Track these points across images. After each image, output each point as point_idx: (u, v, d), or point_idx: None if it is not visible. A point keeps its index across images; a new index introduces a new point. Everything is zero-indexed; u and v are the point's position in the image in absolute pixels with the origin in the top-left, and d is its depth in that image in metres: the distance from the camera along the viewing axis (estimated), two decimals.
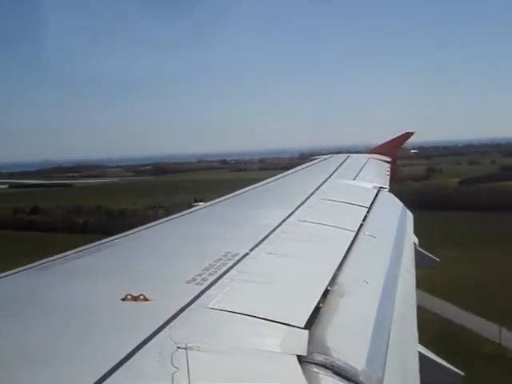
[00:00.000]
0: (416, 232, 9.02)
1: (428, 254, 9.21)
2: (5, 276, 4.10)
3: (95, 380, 2.29)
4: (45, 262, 4.50)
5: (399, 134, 18.93)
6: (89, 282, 3.93)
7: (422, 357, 4.27)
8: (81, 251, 4.92)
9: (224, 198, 9.03)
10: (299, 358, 2.83)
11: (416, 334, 4.39)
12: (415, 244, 8.42)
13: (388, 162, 17.04)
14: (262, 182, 11.01)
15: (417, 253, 7.80)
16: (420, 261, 7.62)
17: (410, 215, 10.14)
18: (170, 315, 3.11)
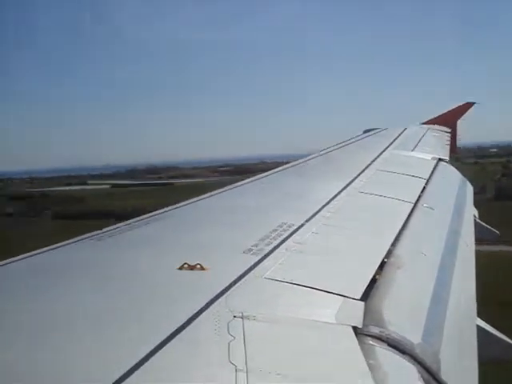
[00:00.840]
0: None
1: (488, 226, 9.00)
2: (66, 244, 4.21)
3: (153, 347, 2.34)
4: (105, 231, 4.59)
5: (459, 104, 18.39)
6: (147, 250, 4.00)
7: (480, 331, 4.20)
8: (139, 221, 5.00)
9: (280, 168, 8.99)
10: (355, 329, 2.82)
11: (475, 308, 4.31)
12: (475, 216, 8.25)
13: (448, 132, 16.63)
14: (319, 153, 10.90)
15: (476, 225, 7.64)
16: (480, 233, 7.47)
17: (469, 187, 9.92)
18: (226, 284, 3.13)
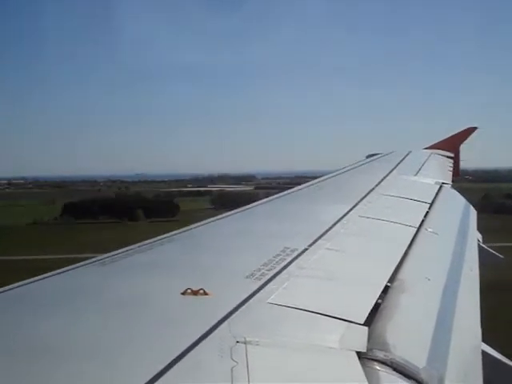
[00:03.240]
0: None
1: (492, 250, 8.97)
2: (68, 270, 4.21)
3: (155, 373, 2.33)
4: (107, 257, 4.60)
5: (462, 129, 18.46)
6: (150, 276, 3.99)
7: (485, 355, 4.16)
8: (142, 246, 5.01)
9: (283, 194, 9.02)
10: (359, 354, 2.81)
11: (479, 332, 4.28)
12: (479, 241, 8.23)
13: (451, 157, 16.68)
14: (322, 178, 10.95)
15: (480, 250, 7.61)
16: (484, 258, 7.43)
17: (473, 211, 9.91)
18: (230, 309, 3.13)
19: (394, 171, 11.64)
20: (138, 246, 4.99)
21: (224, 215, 6.95)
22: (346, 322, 3.14)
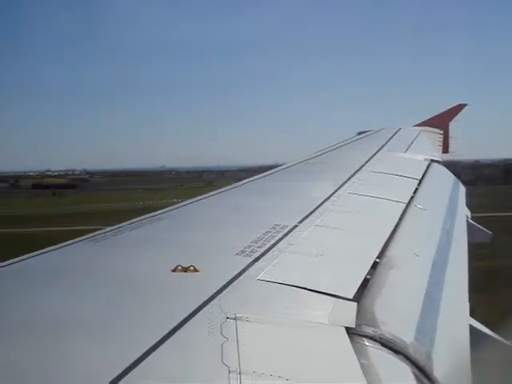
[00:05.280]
0: None
1: (480, 227, 9.05)
2: (60, 247, 4.22)
3: (146, 349, 2.34)
4: (98, 234, 4.60)
5: (452, 106, 18.43)
6: (141, 253, 4.01)
7: (472, 330, 4.22)
8: (133, 223, 5.02)
9: (272, 171, 9.02)
10: (347, 329, 2.83)
11: (467, 307, 4.33)
12: (467, 217, 8.29)
13: (440, 133, 16.70)
14: (312, 155, 10.94)
15: (469, 226, 7.68)
16: (472, 234, 7.50)
17: (462, 188, 9.97)
18: (220, 286, 3.14)
19: (384, 148, 11.65)
20: (129, 224, 5.00)
21: (214, 192, 6.96)
22: (335, 298, 3.16)
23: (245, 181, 8.07)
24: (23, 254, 3.96)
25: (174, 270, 3.40)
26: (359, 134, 15.62)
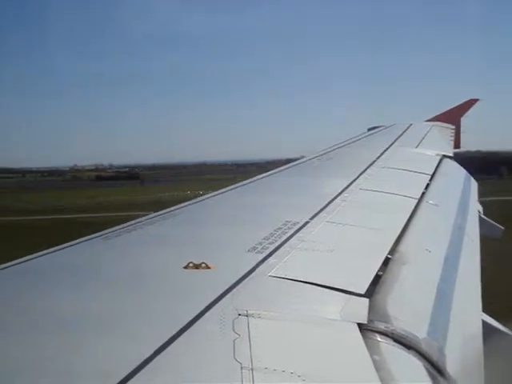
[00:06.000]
0: None
1: (492, 222, 9.01)
2: (72, 245, 4.24)
3: (159, 345, 2.36)
4: (111, 231, 4.63)
5: (463, 101, 18.34)
6: (153, 250, 4.02)
7: (485, 326, 4.20)
8: (145, 221, 5.04)
9: (283, 168, 9.02)
10: (359, 325, 2.83)
11: (480, 303, 4.31)
12: (479, 212, 8.25)
13: (452, 129, 16.64)
14: (324, 151, 10.93)
15: (481, 221, 7.64)
16: (484, 229, 7.46)
17: (474, 183, 9.92)
18: (232, 283, 3.15)
19: (396, 143, 11.62)
20: (141, 221, 5.02)
21: (226, 189, 6.96)
22: (347, 294, 3.16)
23: (255, 178, 8.07)
24: None
25: (185, 267, 3.41)
26: (370, 129, 15.60)
